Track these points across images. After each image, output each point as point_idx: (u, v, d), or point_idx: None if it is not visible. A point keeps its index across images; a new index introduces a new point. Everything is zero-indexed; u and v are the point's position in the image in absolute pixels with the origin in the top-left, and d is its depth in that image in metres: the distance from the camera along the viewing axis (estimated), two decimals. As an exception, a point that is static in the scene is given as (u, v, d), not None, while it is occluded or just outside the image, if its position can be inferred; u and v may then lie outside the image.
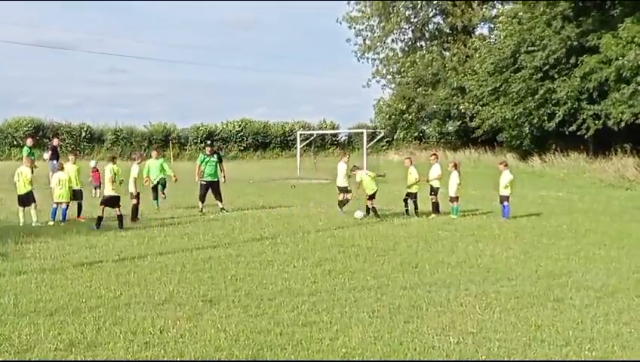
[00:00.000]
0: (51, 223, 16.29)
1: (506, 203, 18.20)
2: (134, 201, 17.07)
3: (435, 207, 18.47)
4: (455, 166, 19.04)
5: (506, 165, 19.17)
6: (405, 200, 18.80)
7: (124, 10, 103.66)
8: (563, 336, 7.57)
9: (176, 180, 20.65)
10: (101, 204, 16.31)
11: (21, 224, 16.09)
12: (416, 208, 18.53)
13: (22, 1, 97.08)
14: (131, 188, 17.09)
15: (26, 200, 16.44)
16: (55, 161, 26.44)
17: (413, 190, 18.70)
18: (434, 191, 18.58)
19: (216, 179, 19.73)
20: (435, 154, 20.64)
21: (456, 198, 18.42)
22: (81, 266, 11.12)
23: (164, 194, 20.52)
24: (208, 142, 23.08)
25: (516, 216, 18.21)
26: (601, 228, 16.40)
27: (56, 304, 8.72)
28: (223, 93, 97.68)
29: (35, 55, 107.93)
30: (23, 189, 16.49)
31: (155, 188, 20.31)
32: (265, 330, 7.66)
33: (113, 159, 16.85)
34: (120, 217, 15.98)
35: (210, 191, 19.52)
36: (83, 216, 17.36)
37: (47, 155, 25.50)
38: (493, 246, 13.58)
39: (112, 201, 16.13)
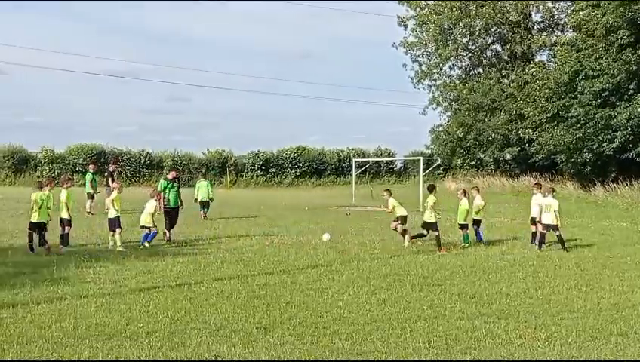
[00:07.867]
0: (146, 245, 16.84)
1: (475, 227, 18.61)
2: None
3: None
4: (464, 193, 19.10)
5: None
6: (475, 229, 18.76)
7: (185, 40, 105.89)
8: (628, 372, 7.31)
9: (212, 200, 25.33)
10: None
11: (109, 247, 16.59)
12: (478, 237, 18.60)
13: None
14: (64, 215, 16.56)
15: (111, 223, 16.82)
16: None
17: (478, 216, 18.91)
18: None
19: (176, 206, 19.00)
20: (468, 189, 20.42)
21: (466, 226, 18.35)
22: (139, 291, 11.29)
23: (205, 213, 24.81)
24: (173, 165, 23.54)
25: (577, 246, 17.74)
26: (667, 259, 15.84)
27: (115, 328, 8.86)
28: (279, 121, 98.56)
29: (96, 84, 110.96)
30: (111, 213, 16.99)
31: (202, 204, 24.96)
32: (319, 359, 7.60)
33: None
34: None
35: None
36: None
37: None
38: (554, 277, 13.26)
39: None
